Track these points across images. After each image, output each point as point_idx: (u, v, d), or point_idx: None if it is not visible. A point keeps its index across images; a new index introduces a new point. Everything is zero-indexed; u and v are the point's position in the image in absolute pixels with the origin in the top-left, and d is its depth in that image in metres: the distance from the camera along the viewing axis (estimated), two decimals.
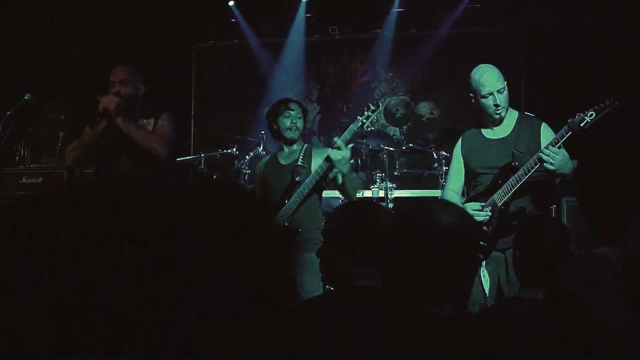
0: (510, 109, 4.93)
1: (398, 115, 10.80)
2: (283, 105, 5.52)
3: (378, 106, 5.27)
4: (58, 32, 9.99)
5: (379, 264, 2.56)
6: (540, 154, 4.44)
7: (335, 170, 5.12)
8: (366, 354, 2.00)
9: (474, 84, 4.84)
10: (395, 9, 10.38)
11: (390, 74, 10.92)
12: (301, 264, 5.16)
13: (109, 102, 5.36)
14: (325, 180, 5.32)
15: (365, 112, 5.20)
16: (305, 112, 5.60)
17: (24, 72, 9.59)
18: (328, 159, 5.05)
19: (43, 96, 9.51)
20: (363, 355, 2.00)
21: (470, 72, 4.91)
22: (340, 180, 5.18)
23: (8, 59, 9.59)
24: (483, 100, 4.81)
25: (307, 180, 5.22)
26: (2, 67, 9.47)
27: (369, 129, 6.26)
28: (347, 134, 5.17)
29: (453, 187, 5.13)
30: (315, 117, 10.88)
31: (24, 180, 8.48)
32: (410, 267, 2.08)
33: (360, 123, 5.18)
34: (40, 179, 8.42)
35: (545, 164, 4.42)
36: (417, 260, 2.07)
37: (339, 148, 5.03)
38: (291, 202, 5.25)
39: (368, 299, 2.40)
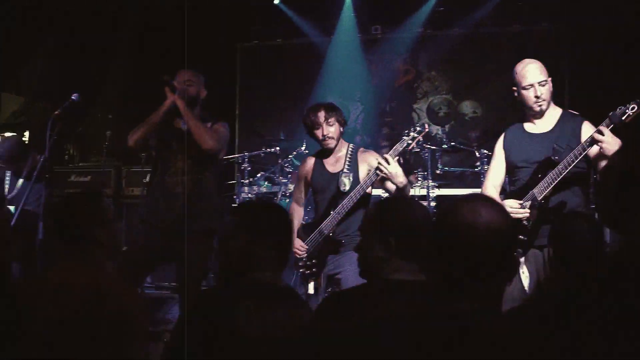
0: (553, 106, 4.92)
1: (441, 114, 10.81)
2: (312, 116, 5.38)
3: (424, 128, 5.24)
4: (106, 33, 10.16)
5: (413, 258, 2.62)
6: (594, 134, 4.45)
7: (388, 182, 5.15)
8: (392, 346, 2.06)
9: (516, 76, 4.85)
10: (438, 8, 10.38)
11: (433, 72, 10.94)
12: (343, 262, 5.23)
13: (175, 87, 5.55)
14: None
15: (412, 133, 5.16)
16: (339, 115, 5.52)
17: (72, 72, 9.77)
18: (379, 170, 5.08)
19: (91, 96, 9.70)
20: (389, 348, 2.06)
21: (513, 69, 4.93)
22: (392, 192, 5.20)
23: (56, 59, 9.80)
24: (524, 91, 4.82)
25: (353, 192, 5.18)
26: (51, 67, 9.69)
27: (414, 150, 6.19)
28: (392, 153, 5.13)
29: (493, 182, 5.12)
30: (358, 116, 10.93)
31: (72, 178, 8.67)
32: (444, 262, 2.14)
33: (405, 144, 5.15)
34: (88, 177, 8.60)
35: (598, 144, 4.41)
36: (451, 256, 2.12)
37: (386, 161, 5.03)
38: (336, 213, 5.23)
39: (400, 292, 2.45)
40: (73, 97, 5.90)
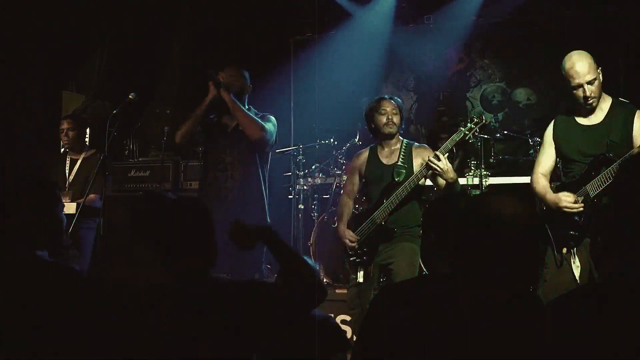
0: (604, 95, 4.91)
1: (494, 102, 10.78)
2: (378, 103, 5.60)
3: (482, 120, 5.32)
4: (162, 29, 10.33)
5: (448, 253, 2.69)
6: None
7: (439, 178, 5.24)
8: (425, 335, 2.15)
9: (564, 74, 4.84)
10: None
11: (487, 60, 10.90)
12: (395, 253, 5.32)
13: (218, 81, 5.67)
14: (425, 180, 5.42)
15: (469, 124, 5.26)
16: (400, 108, 5.67)
17: (131, 69, 9.96)
18: (429, 166, 5.15)
19: (149, 91, 9.90)
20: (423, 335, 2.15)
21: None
22: (441, 187, 5.29)
23: (115, 56, 10.01)
24: (573, 91, 4.82)
25: (406, 182, 5.30)
26: (109, 65, 9.90)
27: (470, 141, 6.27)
28: (448, 144, 5.22)
29: (542, 170, 5.14)
30: (412, 106, 10.96)
31: (132, 173, 8.83)
32: (471, 254, 2.22)
33: (462, 134, 5.23)
34: (148, 172, 8.76)
35: None
36: (478, 250, 2.20)
37: (437, 158, 5.12)
38: (389, 202, 5.33)
39: (442, 285, 2.52)
40: (130, 96, 6.09)
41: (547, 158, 5.13)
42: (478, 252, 2.23)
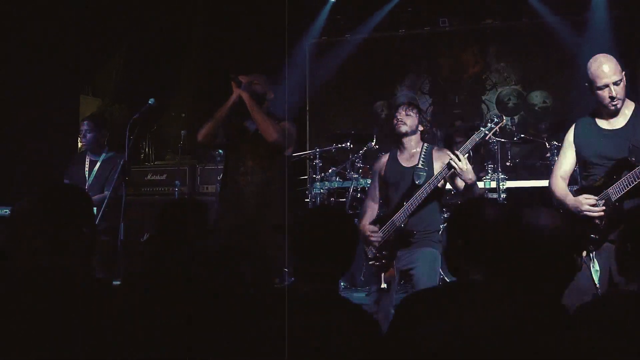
0: (627, 100, 4.89)
1: (510, 104, 10.78)
2: (394, 101, 5.60)
3: (502, 119, 5.32)
4: (178, 33, 10.38)
5: (480, 260, 2.69)
6: None
7: (458, 178, 5.24)
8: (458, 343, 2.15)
9: (590, 75, 4.79)
10: None
11: (502, 63, 10.90)
12: (416, 258, 5.31)
13: (240, 82, 5.71)
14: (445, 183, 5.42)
15: (489, 124, 5.25)
16: (421, 112, 5.63)
17: (146, 73, 10.01)
18: (450, 166, 5.16)
19: (165, 95, 9.94)
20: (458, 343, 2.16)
21: (585, 59, 4.87)
22: (462, 188, 5.30)
23: (130, 60, 10.06)
24: (599, 91, 4.78)
25: (427, 184, 5.27)
26: (125, 69, 9.94)
27: (490, 141, 6.22)
28: (468, 144, 5.21)
29: (562, 173, 5.09)
30: (427, 109, 10.96)
31: (149, 177, 8.86)
32: (508, 264, 2.23)
33: (482, 134, 5.24)
34: (164, 176, 8.78)
35: None
36: (514, 259, 2.21)
37: (457, 158, 5.14)
38: (409, 205, 5.33)
39: (474, 294, 2.52)
40: (150, 102, 6.11)
41: (567, 161, 5.10)
42: (516, 262, 2.23)
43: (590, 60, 4.85)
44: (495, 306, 2.28)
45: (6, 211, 6.28)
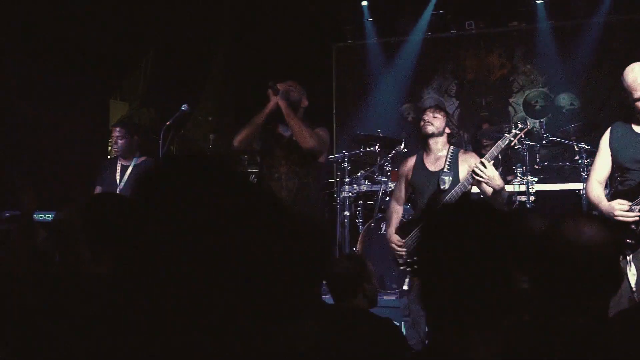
0: None
1: (537, 107, 10.76)
2: (423, 105, 5.63)
3: (527, 125, 5.32)
4: (206, 37, 10.44)
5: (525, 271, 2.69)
6: None
7: (485, 185, 5.24)
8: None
9: (627, 86, 4.76)
10: (540, 1, 10.34)
11: (529, 66, 10.88)
12: None
13: (278, 89, 5.73)
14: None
15: (514, 130, 5.27)
16: (448, 115, 5.65)
17: (174, 78, 10.07)
18: (476, 173, 5.15)
19: (193, 99, 10.00)
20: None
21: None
22: (488, 194, 5.29)
23: (160, 65, 10.13)
24: (636, 103, 4.78)
25: (455, 190, 5.30)
26: (154, 73, 10.01)
27: (516, 147, 6.18)
28: (494, 151, 5.23)
29: (598, 178, 5.08)
30: (454, 111, 10.95)
31: None
32: (550, 277, 2.23)
33: (507, 141, 5.24)
34: None
35: None
36: (556, 272, 2.21)
37: (483, 165, 5.13)
38: None
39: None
40: (183, 108, 6.16)
41: (602, 165, 5.09)
42: (560, 275, 2.24)
43: (627, 70, 4.80)
44: (543, 318, 2.28)
45: (49, 216, 6.33)
